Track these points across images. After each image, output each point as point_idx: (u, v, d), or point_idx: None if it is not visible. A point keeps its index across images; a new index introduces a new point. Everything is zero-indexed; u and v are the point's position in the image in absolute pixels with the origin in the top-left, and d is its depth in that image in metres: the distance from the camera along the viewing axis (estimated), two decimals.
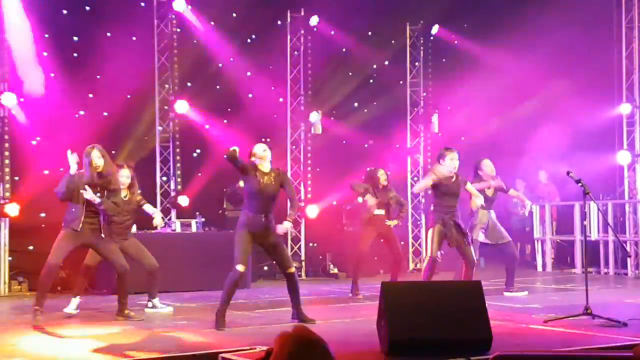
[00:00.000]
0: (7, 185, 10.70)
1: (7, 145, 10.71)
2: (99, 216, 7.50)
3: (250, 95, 12.82)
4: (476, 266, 9.04)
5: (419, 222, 14.21)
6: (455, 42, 14.47)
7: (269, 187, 7.24)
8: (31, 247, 10.69)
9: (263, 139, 13.02)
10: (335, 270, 12.69)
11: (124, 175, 8.28)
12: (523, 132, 14.12)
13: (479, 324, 5.54)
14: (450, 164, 8.18)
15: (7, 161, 10.69)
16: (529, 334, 6.59)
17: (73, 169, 7.38)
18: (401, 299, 5.61)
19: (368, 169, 10.42)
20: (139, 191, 8.61)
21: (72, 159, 7.36)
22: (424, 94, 14.37)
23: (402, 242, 13.92)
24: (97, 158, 7.48)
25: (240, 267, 7.15)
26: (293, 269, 7.39)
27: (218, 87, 12.60)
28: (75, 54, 11.40)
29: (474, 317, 5.57)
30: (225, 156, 7.08)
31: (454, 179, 8.28)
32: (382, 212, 9.86)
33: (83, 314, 8.17)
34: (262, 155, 7.30)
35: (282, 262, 7.41)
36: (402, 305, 5.55)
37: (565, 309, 7.70)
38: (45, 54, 11.08)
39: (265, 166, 7.31)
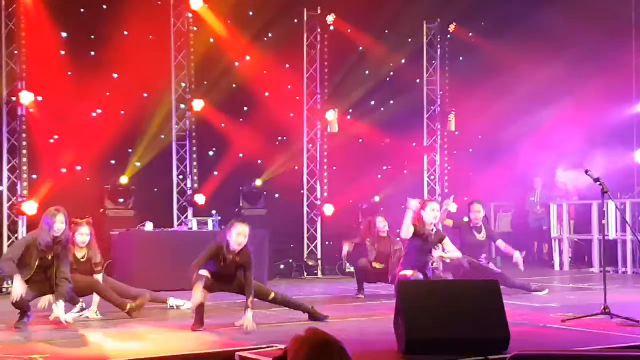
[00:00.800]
0: (25, 184, 10.77)
1: (24, 143, 10.78)
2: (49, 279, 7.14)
3: (266, 94, 12.82)
4: (493, 264, 9.04)
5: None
6: (473, 40, 14.40)
7: (229, 269, 7.11)
8: None
9: (279, 138, 13.15)
10: (352, 269, 12.65)
11: (84, 233, 7.72)
12: (541, 130, 14.03)
13: (496, 323, 5.50)
14: (431, 215, 8.10)
15: (25, 159, 10.76)
16: (547, 334, 6.55)
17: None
18: (418, 298, 5.58)
19: (362, 220, 10.09)
20: (98, 255, 7.90)
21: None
22: (441, 92, 14.31)
23: None
24: (60, 223, 7.08)
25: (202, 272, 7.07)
26: (273, 296, 7.42)
27: (234, 85, 12.61)
28: (92, 53, 11.45)
29: (491, 316, 5.53)
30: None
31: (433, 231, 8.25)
32: (381, 266, 9.39)
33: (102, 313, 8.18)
34: (240, 241, 7.04)
35: (260, 294, 7.32)
36: (419, 304, 5.52)
37: (583, 308, 7.63)
38: (62, 52, 11.14)
39: (235, 249, 7.05)
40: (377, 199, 13.33)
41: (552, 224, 13.58)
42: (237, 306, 8.55)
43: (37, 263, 7.06)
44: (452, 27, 14.16)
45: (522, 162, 13.55)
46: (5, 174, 10.89)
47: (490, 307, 5.59)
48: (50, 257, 7.11)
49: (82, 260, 7.76)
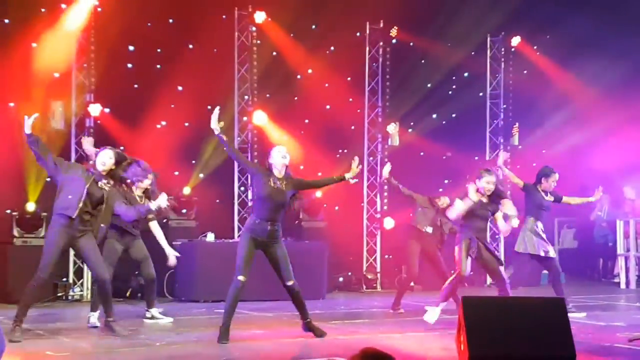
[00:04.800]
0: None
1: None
2: (94, 216, 7.05)
3: (327, 107, 12.86)
4: (556, 281, 8.85)
5: (496, 236, 13.94)
6: (537, 54, 14.19)
7: (279, 194, 6.97)
8: None
9: (340, 150, 13.17)
10: (411, 283, 12.55)
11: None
12: (607, 145, 13.72)
13: (562, 341, 5.38)
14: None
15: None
16: (613, 353, 6.38)
17: (27, 129, 6.79)
18: (481, 314, 5.49)
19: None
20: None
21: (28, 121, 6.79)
22: (504, 106, 14.13)
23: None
24: (109, 158, 7.14)
25: (241, 278, 6.84)
26: (292, 282, 7.04)
27: (296, 98, 12.69)
28: (158, 66, 11.67)
29: (556, 334, 5.41)
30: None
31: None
32: (430, 229, 9.53)
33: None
34: (280, 161, 6.98)
35: (282, 274, 7.04)
36: (482, 320, 5.44)
37: None
38: (129, 65, 11.39)
39: (280, 171, 7.00)
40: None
41: (619, 240, 13.26)
42: (298, 318, 8.60)
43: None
44: (516, 41, 13.98)
45: (588, 178, 13.25)
46: None
47: (556, 325, 5.47)
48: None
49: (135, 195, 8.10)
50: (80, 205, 6.89)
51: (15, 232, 10.29)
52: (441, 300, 7.90)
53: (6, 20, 10.74)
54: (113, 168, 7.16)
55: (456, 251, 7.90)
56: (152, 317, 8.35)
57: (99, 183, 7.06)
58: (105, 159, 7.12)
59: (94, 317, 7.88)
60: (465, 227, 7.86)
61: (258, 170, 7.07)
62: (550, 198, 9.40)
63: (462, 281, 8.11)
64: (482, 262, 7.89)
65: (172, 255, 8.50)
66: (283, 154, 7.03)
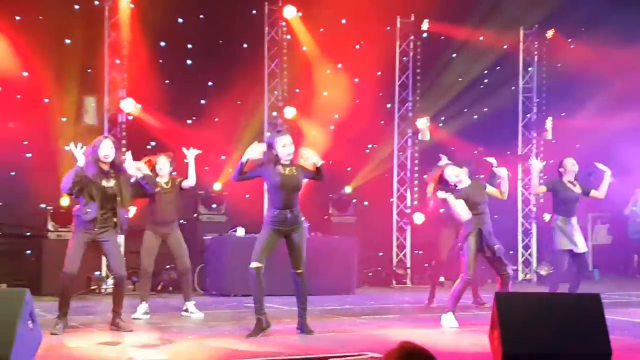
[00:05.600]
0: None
1: (124, 149, 11.10)
2: (113, 211, 7.14)
3: (357, 101, 12.81)
4: (591, 278, 8.65)
5: (530, 232, 13.80)
6: (571, 46, 13.99)
7: (292, 179, 6.87)
8: None
9: (369, 145, 13.12)
10: (442, 279, 12.47)
11: (162, 162, 8.25)
12: None
13: (597, 338, 5.29)
14: None
15: None
16: None
17: (81, 161, 6.99)
18: (515, 311, 5.42)
19: None
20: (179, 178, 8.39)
21: (77, 151, 7.00)
22: (537, 99, 13.97)
23: (512, 252, 13.62)
24: (109, 148, 7.12)
25: (253, 264, 6.78)
26: (302, 270, 6.97)
27: (326, 93, 12.66)
28: (188, 62, 11.72)
29: (592, 331, 5.32)
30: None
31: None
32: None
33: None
34: (284, 151, 6.85)
35: (294, 261, 6.97)
36: (516, 317, 5.36)
37: None
38: (160, 61, 11.45)
39: (286, 160, 6.90)
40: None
41: None
42: (328, 313, 8.59)
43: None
44: (550, 33, 13.80)
45: (622, 172, 13.06)
46: None
47: (591, 321, 5.38)
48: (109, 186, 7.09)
49: (166, 186, 8.26)
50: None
51: (50, 227, 10.43)
52: (451, 309, 7.68)
53: (40, 17, 10.85)
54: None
55: (464, 251, 7.63)
56: (187, 310, 8.37)
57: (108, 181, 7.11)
58: (108, 150, 7.13)
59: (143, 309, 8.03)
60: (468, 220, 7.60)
61: (264, 165, 6.91)
62: (577, 189, 9.02)
63: (470, 284, 7.94)
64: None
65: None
66: (283, 142, 6.89)
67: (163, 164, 8.31)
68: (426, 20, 12.96)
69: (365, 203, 12.98)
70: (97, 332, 7.21)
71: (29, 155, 10.85)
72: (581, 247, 8.73)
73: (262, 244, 6.86)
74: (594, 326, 5.36)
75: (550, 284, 8.92)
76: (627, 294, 11.03)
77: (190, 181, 8.30)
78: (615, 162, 13.43)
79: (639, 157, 13.42)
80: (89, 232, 7.09)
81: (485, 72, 13.71)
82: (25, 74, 10.79)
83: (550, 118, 13.75)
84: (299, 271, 6.99)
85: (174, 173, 8.45)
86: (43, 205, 10.61)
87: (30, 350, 5.14)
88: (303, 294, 7.07)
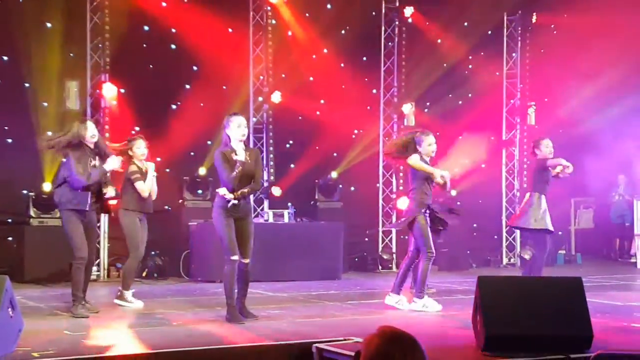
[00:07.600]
0: (108, 175, 11.01)
1: (107, 135, 11.04)
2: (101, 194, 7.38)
3: (343, 87, 12.80)
4: (574, 262, 8.71)
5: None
6: (555, 32, 14.03)
7: (246, 166, 6.73)
8: None
9: (355, 130, 13.12)
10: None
11: (142, 146, 8.17)
12: (624, 125, 13.58)
13: (579, 321, 5.36)
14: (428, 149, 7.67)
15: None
16: (630, 332, 6.34)
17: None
18: (497, 294, 5.47)
19: None
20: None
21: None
22: (521, 85, 14.01)
23: (496, 236, 13.71)
24: (94, 128, 7.37)
25: (235, 257, 6.78)
26: (248, 261, 6.89)
27: (311, 78, 12.64)
28: (172, 46, 11.65)
29: (574, 314, 5.38)
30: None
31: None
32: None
33: (179, 301, 8.32)
34: (238, 131, 6.72)
35: (243, 250, 6.88)
36: (498, 300, 5.41)
37: None
38: (144, 45, 11.37)
39: (239, 142, 6.71)
40: (453, 193, 13.15)
41: (636, 220, 13.18)
42: (314, 298, 8.62)
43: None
44: (533, 19, 13.82)
45: (605, 157, 13.14)
46: None
47: (573, 304, 5.44)
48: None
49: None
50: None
51: (32, 213, 10.36)
52: (419, 290, 7.70)
53: (20, 0, 10.73)
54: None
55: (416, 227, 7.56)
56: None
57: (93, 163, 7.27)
58: (94, 130, 7.34)
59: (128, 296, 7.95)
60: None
61: (219, 154, 6.78)
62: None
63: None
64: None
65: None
66: (238, 122, 6.75)
67: (143, 147, 8.19)
68: (411, 7, 12.94)
69: (352, 188, 13.01)
70: (84, 318, 7.18)
71: (9, 140, 10.76)
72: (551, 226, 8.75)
73: (228, 235, 6.79)
74: (576, 309, 5.43)
75: (536, 267, 8.92)
76: (608, 277, 11.14)
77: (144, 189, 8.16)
78: (598, 147, 13.56)
79: (621, 142, 13.52)
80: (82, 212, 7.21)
81: (470, 57, 13.73)
82: (5, 58, 10.69)
83: (533, 104, 13.80)
84: (245, 261, 6.92)
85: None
86: (25, 192, 10.54)
87: (10, 338, 5.11)
88: (246, 283, 7.02)
